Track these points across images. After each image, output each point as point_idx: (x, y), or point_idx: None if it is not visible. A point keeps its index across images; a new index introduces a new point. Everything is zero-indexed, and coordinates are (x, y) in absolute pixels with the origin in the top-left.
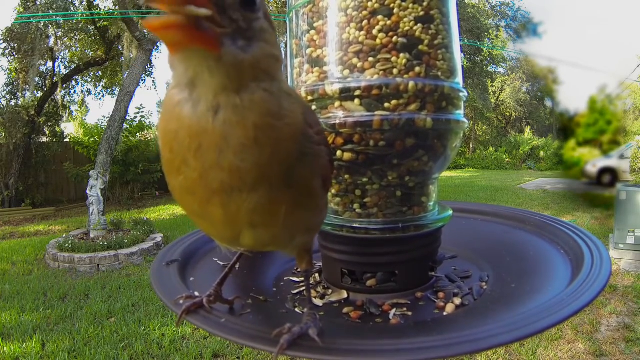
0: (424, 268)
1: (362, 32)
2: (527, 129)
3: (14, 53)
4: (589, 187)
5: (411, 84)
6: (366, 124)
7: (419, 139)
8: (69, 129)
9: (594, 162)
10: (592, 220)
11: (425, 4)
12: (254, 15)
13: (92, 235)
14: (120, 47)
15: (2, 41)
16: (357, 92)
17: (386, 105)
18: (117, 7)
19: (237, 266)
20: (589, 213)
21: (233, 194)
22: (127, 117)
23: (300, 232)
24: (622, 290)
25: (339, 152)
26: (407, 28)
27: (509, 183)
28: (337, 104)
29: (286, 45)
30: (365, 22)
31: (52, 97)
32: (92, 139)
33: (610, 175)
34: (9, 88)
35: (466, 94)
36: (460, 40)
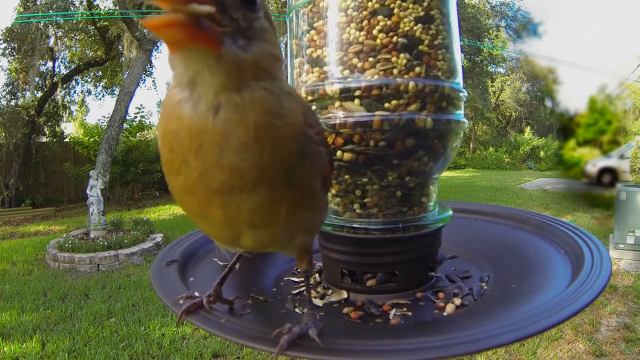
0: (424, 268)
1: (362, 32)
2: (527, 129)
3: (14, 53)
4: (589, 187)
5: (411, 84)
6: (366, 124)
7: (419, 139)
8: (69, 129)
9: (594, 162)
10: (592, 220)
11: (425, 4)
12: (255, 15)
13: (92, 235)
14: (120, 47)
15: (2, 41)
16: (357, 92)
17: (386, 105)
18: (117, 7)
19: (237, 266)
20: (589, 213)
21: (233, 194)
22: (127, 117)
23: (300, 233)
24: (622, 290)
25: (339, 152)
26: (407, 28)
27: (509, 183)
28: (337, 104)
29: (286, 45)
30: (365, 22)
31: (52, 97)
32: (92, 139)
33: (610, 175)
34: (9, 88)
35: (466, 94)
36: (460, 40)
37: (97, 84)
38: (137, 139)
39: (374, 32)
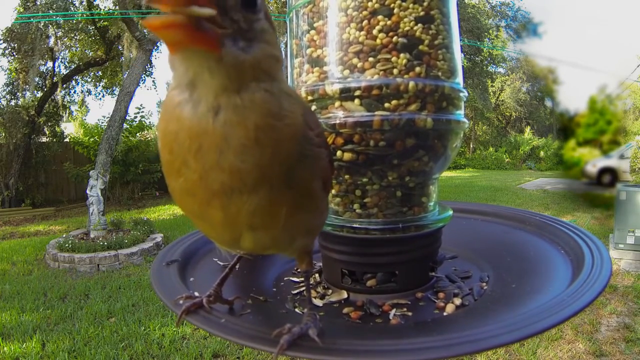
0: (424, 268)
1: (362, 32)
2: (527, 129)
3: (14, 53)
4: (589, 187)
5: (411, 84)
6: (366, 124)
7: (419, 139)
8: (69, 129)
9: (594, 162)
10: (592, 220)
11: (425, 4)
12: (255, 16)
13: (92, 235)
14: (120, 47)
15: (2, 41)
16: (357, 92)
17: (386, 105)
18: (117, 7)
19: (237, 267)
20: (589, 213)
21: (233, 195)
22: (127, 117)
23: (300, 235)
24: (622, 290)
25: (339, 152)
26: (407, 28)
27: (509, 183)
28: (337, 104)
29: (286, 45)
30: (365, 22)
31: (52, 97)
32: (92, 139)
33: (610, 175)
34: (9, 88)
35: (466, 94)
36: (460, 40)
37: (97, 84)
38: (137, 139)
39: (374, 32)
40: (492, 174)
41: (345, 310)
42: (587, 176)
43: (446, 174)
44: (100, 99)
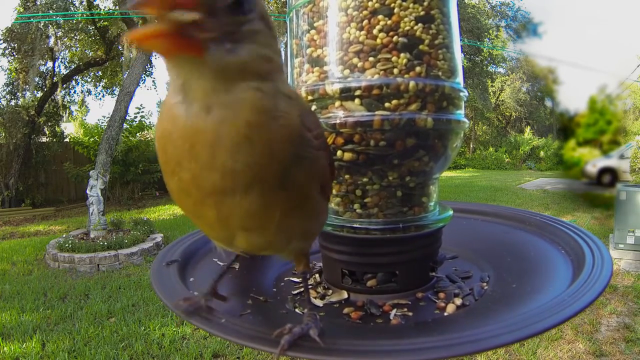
0: (424, 268)
1: (363, 32)
2: (527, 129)
3: (14, 53)
4: (589, 187)
5: (412, 83)
6: (366, 124)
7: (420, 138)
8: (69, 129)
9: (594, 162)
10: (592, 220)
11: (425, 3)
12: (244, 18)
13: (92, 235)
14: (120, 47)
15: (2, 41)
16: (358, 92)
17: (387, 105)
18: (117, 7)
19: (236, 267)
20: (589, 213)
21: (226, 196)
22: (127, 117)
23: (296, 238)
24: (622, 290)
25: (339, 152)
26: (407, 28)
27: (509, 183)
28: (337, 103)
29: (286, 45)
30: (365, 21)
31: (52, 97)
32: (92, 139)
33: (610, 175)
34: (9, 88)
35: (467, 93)
36: (460, 40)
37: (97, 84)
38: (137, 139)
39: (374, 31)
40: (492, 174)
41: (346, 310)
42: (587, 176)
43: (446, 174)
44: (100, 99)
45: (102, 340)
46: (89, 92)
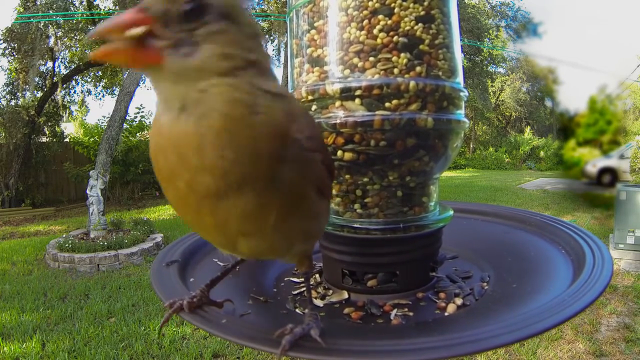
0: (425, 268)
1: (363, 32)
2: (527, 129)
3: (14, 53)
4: (589, 187)
5: (412, 83)
6: (367, 124)
7: (420, 138)
8: (69, 129)
9: (594, 162)
10: (592, 220)
11: (426, 3)
12: (202, 21)
13: (92, 235)
14: None
15: (2, 41)
16: (358, 92)
17: (387, 104)
18: (117, 7)
19: (237, 268)
20: (589, 213)
21: (221, 199)
22: (127, 117)
23: (297, 241)
24: (622, 290)
25: (339, 152)
26: (407, 27)
27: (509, 183)
28: (337, 103)
29: (286, 45)
30: (365, 21)
31: (52, 97)
32: (92, 139)
33: (610, 175)
34: (9, 88)
35: (467, 93)
36: (461, 40)
37: (97, 84)
38: (137, 139)
39: (375, 31)
40: (492, 174)
41: (346, 310)
42: (587, 176)
43: (446, 174)
44: (100, 99)
45: (102, 340)
46: (89, 92)
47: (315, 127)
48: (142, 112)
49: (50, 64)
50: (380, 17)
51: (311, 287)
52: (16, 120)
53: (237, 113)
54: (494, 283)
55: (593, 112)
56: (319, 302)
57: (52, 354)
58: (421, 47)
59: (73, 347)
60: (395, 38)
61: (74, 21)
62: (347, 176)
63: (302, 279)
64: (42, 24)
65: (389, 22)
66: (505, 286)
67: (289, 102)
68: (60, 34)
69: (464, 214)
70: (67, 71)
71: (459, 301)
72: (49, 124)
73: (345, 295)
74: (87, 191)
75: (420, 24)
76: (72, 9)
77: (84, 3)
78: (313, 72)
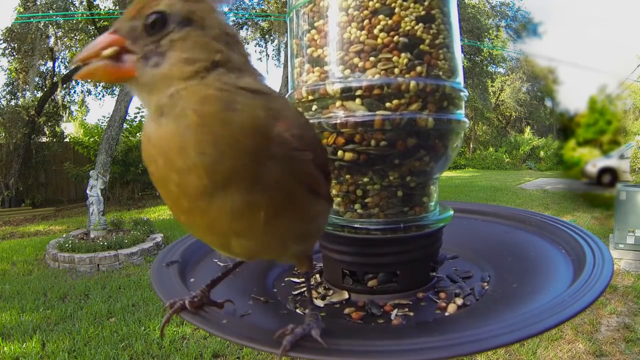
0: (425, 268)
1: (363, 32)
2: (527, 129)
3: (14, 53)
4: (589, 187)
5: (412, 83)
6: (367, 124)
7: (421, 138)
8: (69, 129)
9: (594, 162)
10: (592, 220)
11: (426, 3)
12: (165, 31)
13: (92, 235)
14: None
15: (2, 41)
16: (358, 92)
17: (387, 104)
18: (117, 7)
19: (237, 268)
20: (589, 213)
21: (209, 199)
22: (127, 117)
23: (292, 241)
24: (622, 290)
25: (340, 152)
26: (408, 27)
27: (509, 183)
28: (338, 103)
29: (286, 45)
30: (366, 21)
31: (52, 97)
32: (92, 139)
33: (610, 175)
34: (9, 88)
35: (467, 93)
36: (461, 40)
37: (97, 83)
38: (137, 139)
39: (375, 31)
40: (492, 174)
41: (347, 310)
42: (587, 176)
43: (446, 174)
44: (100, 99)
45: (102, 340)
46: (89, 92)
47: (303, 125)
48: (142, 112)
49: (50, 64)
50: (381, 17)
51: (312, 287)
52: (16, 120)
53: (211, 109)
54: (495, 283)
55: (593, 112)
56: (319, 302)
57: (52, 354)
58: (421, 47)
59: (73, 347)
60: (395, 38)
61: (74, 21)
62: (348, 176)
63: (303, 279)
64: (42, 24)
65: (390, 22)
66: (506, 286)
67: (272, 100)
68: (60, 34)
69: (464, 214)
70: (67, 71)
71: (459, 301)
72: (49, 124)
73: (346, 295)
74: (87, 191)
75: (420, 24)
76: (72, 9)
77: (84, 3)
78: (313, 72)
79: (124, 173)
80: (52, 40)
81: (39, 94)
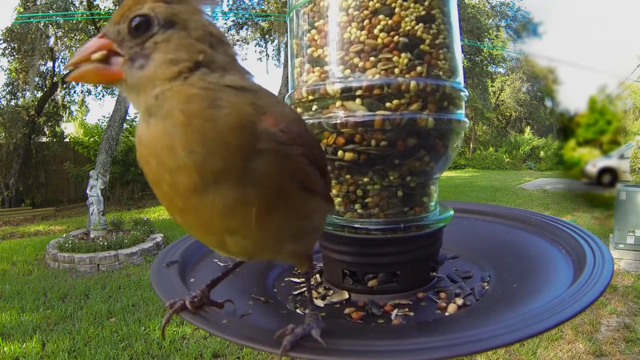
0: (425, 268)
1: (364, 32)
2: (527, 129)
3: (14, 53)
4: (589, 187)
5: (412, 83)
6: (367, 124)
7: (421, 138)
8: (69, 129)
9: (594, 162)
10: (592, 220)
11: (426, 3)
12: (150, 33)
13: (92, 235)
14: None
15: (2, 41)
16: (359, 92)
17: (387, 104)
18: (117, 7)
19: (237, 268)
20: (589, 213)
21: (202, 197)
22: (127, 117)
23: (288, 239)
24: (622, 290)
25: (340, 152)
26: (408, 27)
27: (509, 183)
28: (338, 103)
29: (286, 45)
30: (366, 21)
31: (52, 97)
32: (92, 139)
33: (610, 175)
34: (9, 88)
35: (467, 93)
36: (461, 40)
37: (97, 84)
38: None
39: (375, 31)
40: (492, 174)
41: (347, 310)
42: (587, 176)
43: (446, 174)
44: (100, 99)
45: (102, 340)
46: (89, 92)
47: (293, 120)
48: None
49: (50, 64)
50: (381, 17)
51: (312, 287)
52: (16, 120)
53: (196, 108)
54: (495, 283)
55: (593, 112)
56: (319, 303)
57: (52, 354)
58: (422, 47)
59: (73, 347)
60: (395, 38)
61: (74, 21)
62: (348, 176)
63: (303, 279)
64: (42, 24)
65: (390, 22)
66: (506, 286)
67: (259, 96)
68: (60, 34)
69: (464, 214)
70: (67, 71)
71: (459, 301)
72: (49, 124)
73: (346, 295)
74: (87, 191)
75: (420, 24)
76: (72, 9)
77: (84, 3)
78: (313, 72)
79: (124, 173)
80: (52, 40)
81: (39, 94)
